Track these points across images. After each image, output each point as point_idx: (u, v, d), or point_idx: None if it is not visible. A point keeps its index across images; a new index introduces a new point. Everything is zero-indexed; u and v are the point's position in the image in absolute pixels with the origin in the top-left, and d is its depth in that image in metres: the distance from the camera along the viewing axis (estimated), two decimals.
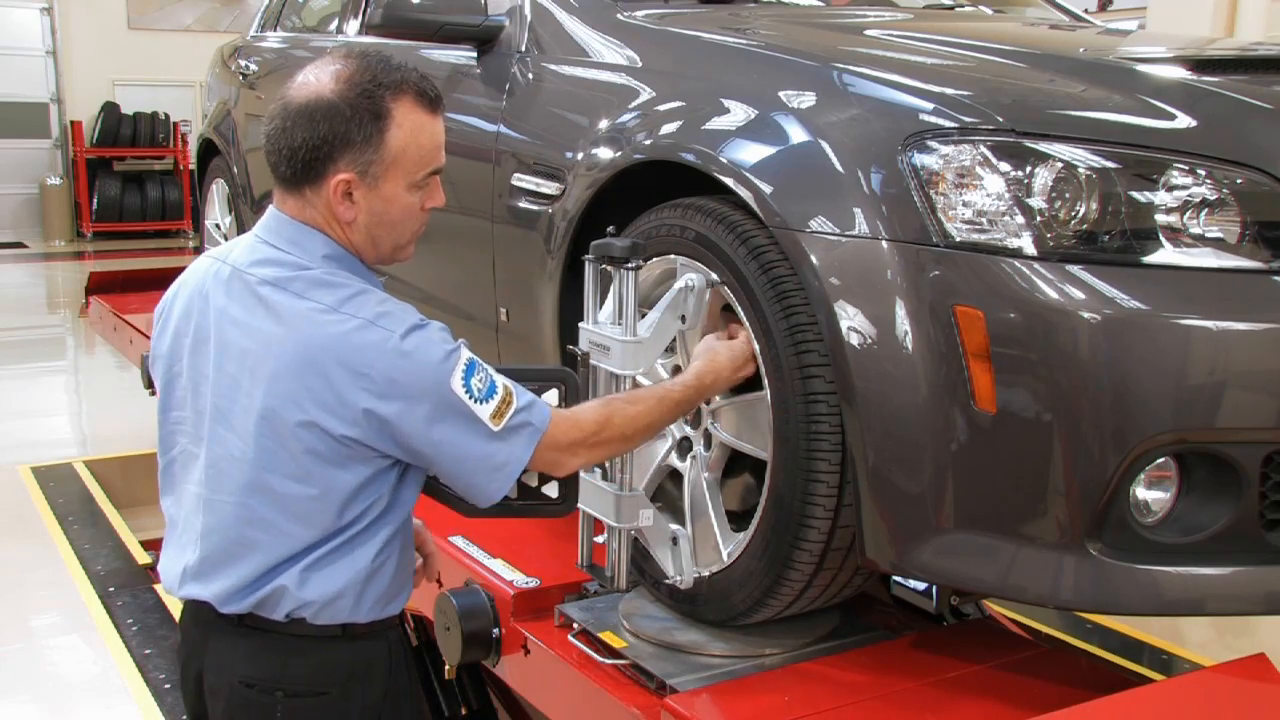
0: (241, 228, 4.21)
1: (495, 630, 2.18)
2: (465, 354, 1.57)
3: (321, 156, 1.56)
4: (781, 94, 1.93)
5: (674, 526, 2.07)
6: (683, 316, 1.98)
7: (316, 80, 1.58)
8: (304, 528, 1.57)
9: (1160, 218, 1.65)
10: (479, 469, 1.59)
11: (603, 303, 2.00)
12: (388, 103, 1.57)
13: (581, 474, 1.89)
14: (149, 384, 4.07)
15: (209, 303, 1.63)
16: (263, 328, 1.56)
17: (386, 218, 1.61)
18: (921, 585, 2.17)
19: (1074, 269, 1.61)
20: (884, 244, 1.70)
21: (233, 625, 1.63)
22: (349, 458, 1.55)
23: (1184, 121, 1.73)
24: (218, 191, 4.60)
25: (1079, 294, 1.59)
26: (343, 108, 1.55)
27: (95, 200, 13.77)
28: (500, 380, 1.60)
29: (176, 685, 2.15)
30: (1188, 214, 1.65)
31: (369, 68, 1.58)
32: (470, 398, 1.55)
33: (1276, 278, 1.64)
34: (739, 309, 1.90)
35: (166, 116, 14.20)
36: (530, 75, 2.55)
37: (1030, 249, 1.63)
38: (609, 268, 1.94)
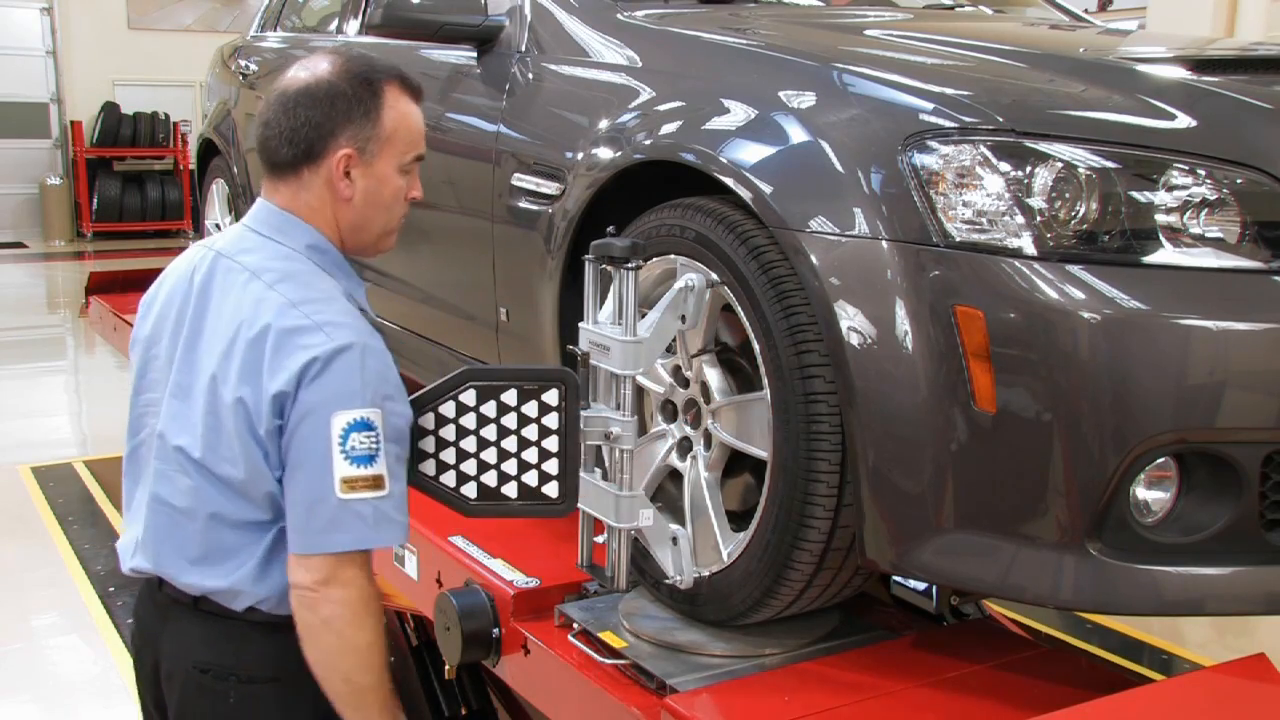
0: None
1: (495, 630, 2.18)
2: (375, 413, 1.54)
3: (324, 134, 1.64)
4: (781, 94, 1.93)
5: (674, 526, 2.07)
6: (683, 316, 1.98)
7: (311, 70, 1.68)
8: (240, 506, 1.61)
9: (1160, 218, 1.65)
10: (304, 514, 1.57)
11: (603, 303, 2.00)
12: (381, 85, 1.67)
13: (582, 474, 1.89)
14: None
15: (192, 287, 1.69)
16: (228, 312, 1.62)
17: (379, 199, 1.69)
18: (921, 585, 2.17)
19: (1074, 269, 1.61)
20: (884, 244, 1.70)
21: (189, 609, 1.66)
22: (275, 450, 1.58)
23: (1184, 121, 1.73)
24: (218, 191, 4.60)
25: (1079, 294, 1.59)
26: (344, 87, 1.65)
27: (95, 200, 13.77)
28: (386, 469, 1.56)
29: None
30: (1188, 214, 1.65)
31: (359, 58, 1.70)
32: (340, 447, 1.53)
33: (1276, 278, 1.64)
34: (739, 309, 1.90)
35: (166, 116, 14.20)
36: (530, 75, 2.55)
37: (1030, 249, 1.63)
38: (609, 268, 1.94)
